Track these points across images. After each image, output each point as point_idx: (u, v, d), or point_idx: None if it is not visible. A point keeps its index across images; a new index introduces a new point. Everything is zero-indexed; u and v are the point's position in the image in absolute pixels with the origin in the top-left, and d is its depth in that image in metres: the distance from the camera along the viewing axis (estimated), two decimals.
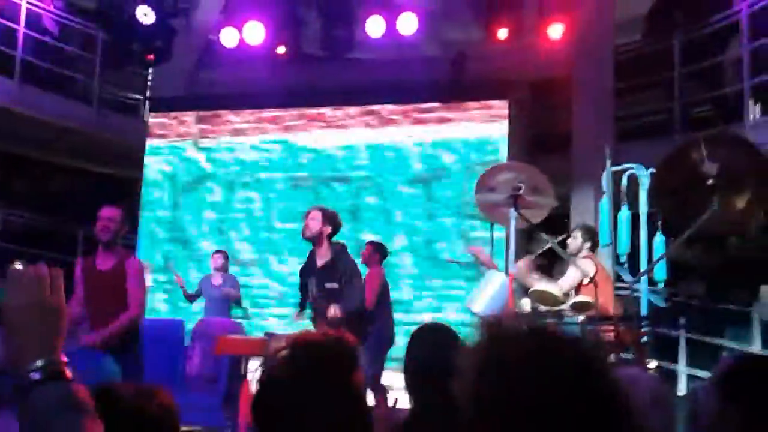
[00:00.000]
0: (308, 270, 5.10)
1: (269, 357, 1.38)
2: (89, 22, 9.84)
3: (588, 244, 5.22)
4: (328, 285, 4.91)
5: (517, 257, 4.82)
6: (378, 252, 6.76)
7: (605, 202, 5.28)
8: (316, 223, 4.98)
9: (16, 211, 9.71)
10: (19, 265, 1.12)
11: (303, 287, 5.18)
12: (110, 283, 4.54)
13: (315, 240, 5.02)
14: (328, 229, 5.00)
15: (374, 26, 7.51)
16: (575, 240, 5.25)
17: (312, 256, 5.10)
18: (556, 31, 7.35)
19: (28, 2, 9.74)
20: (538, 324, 1.11)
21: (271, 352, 1.39)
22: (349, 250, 5.19)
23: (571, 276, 4.98)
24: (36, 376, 1.04)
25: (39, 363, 1.05)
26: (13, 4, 9.65)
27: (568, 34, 7.35)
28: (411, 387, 2.23)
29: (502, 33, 7.28)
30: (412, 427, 2.17)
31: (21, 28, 9.64)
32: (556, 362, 1.00)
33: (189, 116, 9.11)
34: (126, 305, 4.54)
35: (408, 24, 7.43)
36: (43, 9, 10.03)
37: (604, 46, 7.89)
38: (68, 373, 1.07)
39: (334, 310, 4.73)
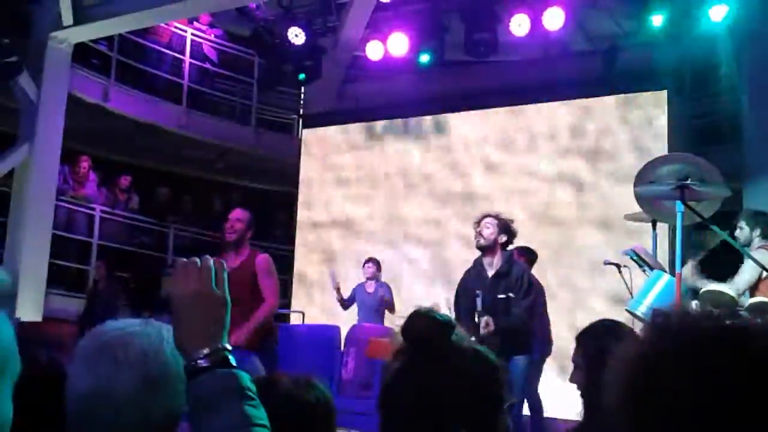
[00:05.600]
0: (475, 280, 4.81)
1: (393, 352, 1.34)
2: (245, 48, 10.44)
3: (757, 232, 4.71)
4: (501, 295, 4.68)
5: (684, 256, 4.43)
6: (525, 256, 6.42)
7: None
8: (490, 231, 4.80)
9: (185, 228, 10.41)
10: (185, 259, 1.15)
11: (460, 299, 4.85)
12: (240, 280, 4.52)
13: (488, 248, 4.82)
14: (503, 238, 4.83)
15: (518, 25, 7.29)
16: (742, 230, 4.75)
17: (479, 266, 4.87)
18: (717, 12, 6.77)
19: (192, 33, 10.50)
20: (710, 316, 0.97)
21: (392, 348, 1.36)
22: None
23: (746, 272, 4.50)
24: (203, 363, 1.08)
25: (205, 351, 1.08)
26: (179, 37, 10.43)
27: (731, 14, 6.74)
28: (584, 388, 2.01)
29: (657, 19, 6.80)
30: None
31: (187, 58, 10.40)
32: (731, 356, 0.85)
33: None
34: (259, 301, 4.71)
35: (554, 19, 7.16)
36: (205, 39, 10.77)
37: None
38: (232, 361, 1.10)
39: (486, 323, 4.45)
